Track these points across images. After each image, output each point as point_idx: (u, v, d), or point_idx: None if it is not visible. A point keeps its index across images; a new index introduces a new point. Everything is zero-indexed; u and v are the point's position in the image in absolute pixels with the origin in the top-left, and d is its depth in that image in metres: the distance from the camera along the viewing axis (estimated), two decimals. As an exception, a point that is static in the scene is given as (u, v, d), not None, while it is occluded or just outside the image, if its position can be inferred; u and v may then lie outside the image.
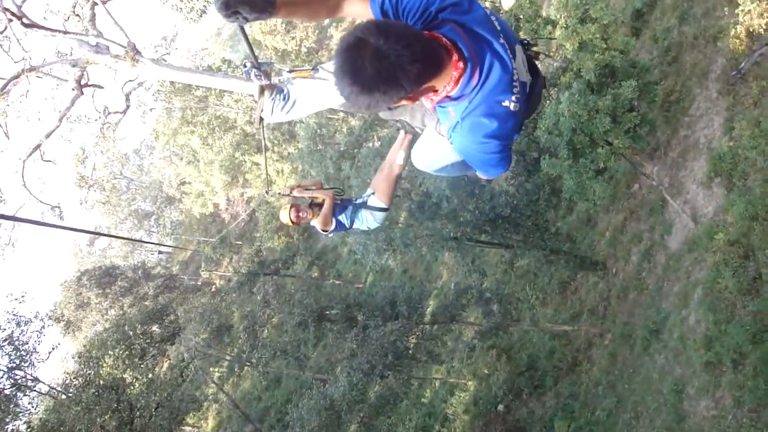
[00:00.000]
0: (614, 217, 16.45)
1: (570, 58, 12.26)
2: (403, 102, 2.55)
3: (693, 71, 15.02)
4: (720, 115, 13.88)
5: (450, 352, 18.78)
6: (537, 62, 3.06)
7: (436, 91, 2.56)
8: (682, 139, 14.80)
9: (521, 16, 13.94)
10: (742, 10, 12.18)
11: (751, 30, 12.70)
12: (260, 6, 2.50)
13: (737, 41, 13.20)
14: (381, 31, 2.30)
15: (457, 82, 2.52)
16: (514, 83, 2.61)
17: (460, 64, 2.48)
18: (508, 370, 17.35)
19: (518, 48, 2.76)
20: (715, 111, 14.07)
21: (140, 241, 51.41)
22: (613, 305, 15.73)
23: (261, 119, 4.16)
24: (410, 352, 15.88)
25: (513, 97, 2.60)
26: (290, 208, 6.16)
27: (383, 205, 5.84)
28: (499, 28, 2.64)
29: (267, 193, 6.20)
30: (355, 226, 6.21)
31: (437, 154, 3.52)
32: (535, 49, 3.07)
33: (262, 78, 3.78)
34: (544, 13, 14.35)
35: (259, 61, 3.72)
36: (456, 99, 2.62)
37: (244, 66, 3.75)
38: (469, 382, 18.66)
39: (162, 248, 48.87)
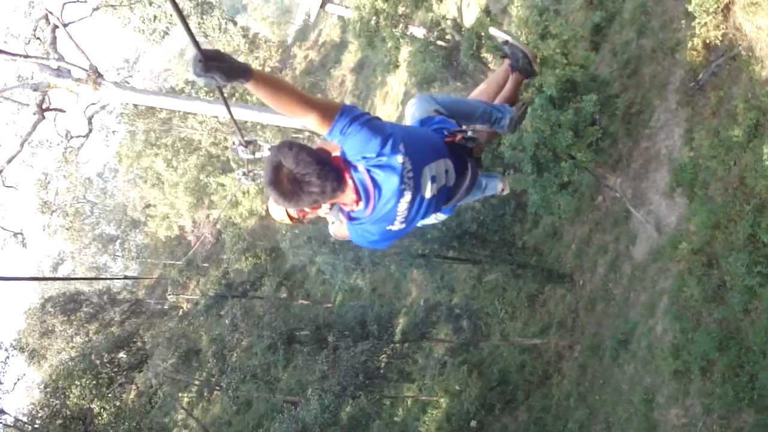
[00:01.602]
0: (579, 229, 16.58)
1: (531, 73, 12.34)
2: (322, 206, 3.43)
3: (652, 83, 15.24)
4: (680, 126, 14.07)
5: (421, 369, 18.72)
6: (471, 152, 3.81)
7: (346, 203, 3.27)
8: (643, 150, 14.98)
9: (482, 34, 14.07)
10: (699, 23, 12.39)
11: (707, 42, 12.92)
12: (235, 74, 2.69)
13: (695, 53, 13.41)
14: (296, 159, 2.88)
15: (350, 210, 3.30)
16: (402, 213, 3.34)
17: (356, 202, 3.21)
18: (479, 386, 17.33)
19: (437, 163, 3.46)
20: (675, 122, 14.27)
21: (113, 278, 50.66)
22: (581, 317, 15.82)
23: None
24: (381, 371, 15.81)
25: (397, 222, 3.36)
26: None
27: None
28: (411, 167, 3.23)
29: (245, 175, 5.22)
30: None
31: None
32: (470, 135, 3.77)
33: (248, 153, 4.24)
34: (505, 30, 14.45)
35: (245, 139, 4.23)
36: (354, 218, 3.35)
37: (233, 144, 4.19)
38: (441, 399, 18.61)
39: (128, 273, 48.30)
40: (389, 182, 3.18)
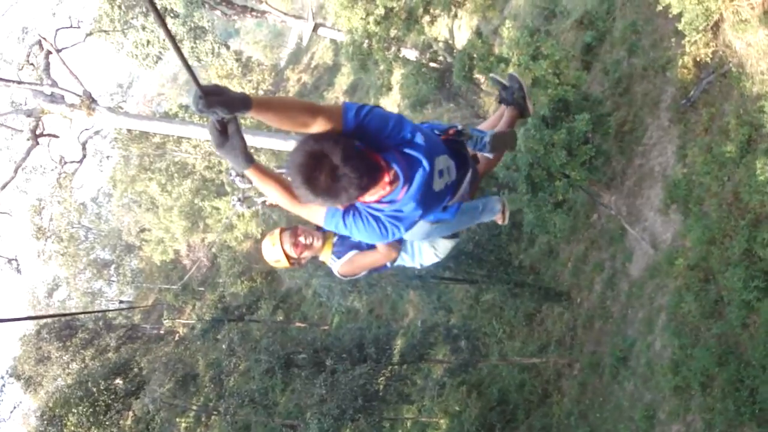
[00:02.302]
0: (575, 247, 16.61)
1: (524, 94, 12.42)
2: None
3: (644, 101, 15.34)
4: (673, 143, 14.17)
5: (420, 390, 18.64)
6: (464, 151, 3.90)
7: (373, 195, 3.13)
8: (637, 168, 15.06)
9: (474, 55, 14.17)
10: (689, 41, 12.50)
11: (698, 59, 13.04)
12: (236, 106, 2.67)
13: (685, 71, 13.53)
14: (343, 154, 2.78)
15: (381, 198, 3.14)
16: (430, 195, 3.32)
17: (388, 187, 3.09)
18: (479, 406, 17.27)
19: (443, 158, 3.44)
20: (668, 139, 14.37)
21: (112, 309, 50.38)
22: (579, 335, 15.81)
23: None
24: (380, 393, 15.73)
25: (421, 212, 3.27)
26: (282, 233, 4.30)
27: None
28: (429, 148, 3.24)
29: (240, 201, 5.11)
30: (399, 261, 4.64)
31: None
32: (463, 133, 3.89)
33: (245, 182, 4.30)
34: (496, 51, 14.58)
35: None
36: (374, 208, 3.20)
37: (230, 174, 4.34)
38: (441, 420, 18.53)
39: (123, 298, 48.06)
40: (418, 162, 3.17)
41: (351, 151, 2.83)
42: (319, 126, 3.01)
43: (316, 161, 2.76)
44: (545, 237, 16.43)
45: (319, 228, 4.38)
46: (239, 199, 4.70)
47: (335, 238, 4.39)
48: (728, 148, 11.88)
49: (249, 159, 2.89)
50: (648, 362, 13.01)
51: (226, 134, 2.78)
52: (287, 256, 4.31)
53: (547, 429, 15.53)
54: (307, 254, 4.38)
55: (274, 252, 4.31)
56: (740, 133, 11.64)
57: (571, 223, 15.34)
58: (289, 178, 2.86)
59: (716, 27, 12.36)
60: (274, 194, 3.10)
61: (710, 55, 12.71)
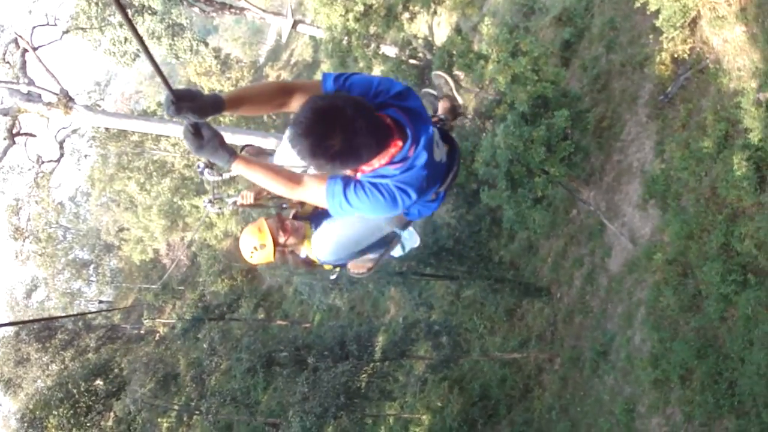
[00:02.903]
0: (555, 243, 16.70)
1: (503, 91, 12.49)
2: (346, 171, 2.91)
3: (622, 97, 15.45)
4: (651, 139, 14.28)
5: (402, 387, 18.67)
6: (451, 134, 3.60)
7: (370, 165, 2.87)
8: (615, 163, 15.17)
9: (454, 52, 14.18)
10: (666, 38, 12.60)
11: (675, 56, 13.16)
12: (208, 111, 2.67)
13: (663, 67, 13.65)
14: (358, 107, 2.55)
15: (391, 158, 2.85)
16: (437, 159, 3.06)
17: (399, 143, 2.82)
18: (461, 402, 17.32)
19: (434, 130, 3.13)
20: (646, 135, 14.48)
21: (92, 312, 50.00)
22: (560, 330, 15.90)
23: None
24: (362, 390, 15.73)
25: (427, 173, 2.95)
26: (267, 219, 4.18)
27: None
28: (425, 112, 3.02)
29: (211, 203, 4.43)
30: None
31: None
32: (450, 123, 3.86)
33: (214, 174, 3.79)
34: (476, 48, 14.62)
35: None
36: (380, 174, 2.90)
37: (198, 167, 3.72)
38: (423, 416, 18.55)
39: (103, 298, 47.73)
40: (420, 117, 2.95)
41: (364, 107, 2.60)
42: (298, 101, 2.92)
43: (327, 120, 2.50)
44: (525, 233, 16.50)
45: (295, 217, 4.37)
46: (210, 201, 4.44)
47: (313, 229, 4.25)
48: (705, 143, 12.00)
49: (231, 152, 2.80)
50: (628, 356, 13.11)
51: (201, 136, 2.71)
52: (275, 242, 4.13)
53: (529, 423, 15.61)
54: (293, 240, 4.21)
55: (260, 237, 4.09)
56: (717, 128, 11.75)
57: (550, 219, 15.43)
58: (291, 145, 2.57)
59: (693, 24, 12.48)
60: (265, 181, 2.94)
61: (687, 52, 12.83)
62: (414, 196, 2.94)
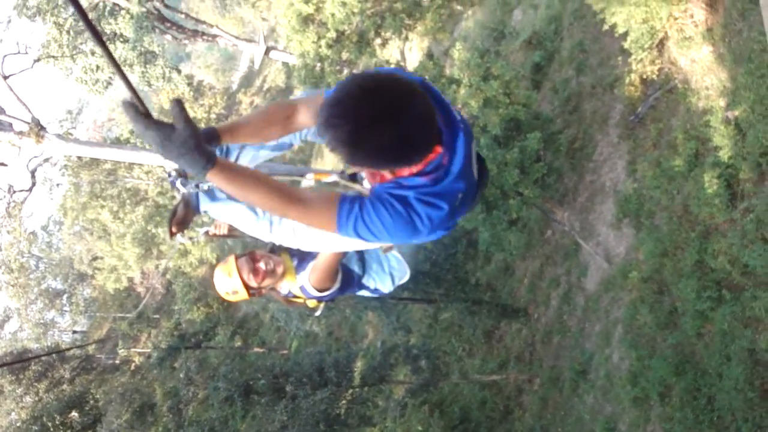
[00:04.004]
0: (531, 263, 16.78)
1: (476, 114, 12.59)
2: (384, 172, 2.40)
3: (593, 118, 15.64)
4: (622, 159, 14.45)
5: (382, 412, 18.54)
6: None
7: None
8: (588, 184, 15.31)
9: (426, 77, 14.28)
10: (635, 59, 12.79)
11: (644, 77, 13.34)
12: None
13: (632, 88, 13.84)
14: (415, 91, 2.10)
15: (425, 164, 2.34)
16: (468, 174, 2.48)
17: (439, 148, 2.29)
18: (442, 425, 17.23)
19: (473, 143, 2.61)
20: (618, 155, 14.65)
21: (66, 349, 49.35)
22: (538, 350, 15.93)
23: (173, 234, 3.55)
24: (342, 417, 15.61)
25: (464, 187, 2.43)
26: (237, 260, 3.77)
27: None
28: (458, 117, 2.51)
29: (171, 237, 3.55)
30: (368, 282, 3.94)
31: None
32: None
33: (189, 185, 3.16)
34: (447, 73, 14.74)
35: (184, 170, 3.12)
36: (406, 184, 2.37)
37: (169, 175, 3.15)
38: (404, 441, 18.46)
39: (77, 328, 47.11)
40: (455, 122, 2.44)
41: (421, 93, 2.11)
42: (304, 115, 2.61)
43: (379, 101, 2.01)
44: (501, 254, 16.55)
45: (272, 251, 3.87)
46: (176, 177, 3.54)
47: (294, 262, 3.82)
48: (676, 162, 12.15)
49: (208, 157, 2.13)
50: (607, 374, 13.16)
51: (169, 126, 2.05)
52: (246, 287, 3.70)
53: (510, 445, 15.59)
54: (268, 282, 3.76)
55: (231, 283, 3.70)
56: (687, 147, 11.91)
57: (525, 240, 15.53)
58: (320, 131, 2.07)
59: (661, 45, 12.68)
60: (255, 196, 2.30)
61: (656, 72, 13.02)
62: (445, 209, 2.37)
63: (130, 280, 42.73)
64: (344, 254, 3.61)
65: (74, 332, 49.52)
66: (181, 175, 3.10)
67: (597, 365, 13.58)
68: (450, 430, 17.15)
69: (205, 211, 3.32)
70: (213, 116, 35.55)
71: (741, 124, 10.67)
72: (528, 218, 16.06)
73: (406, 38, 18.73)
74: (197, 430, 18.22)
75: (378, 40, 17.40)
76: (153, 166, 29.08)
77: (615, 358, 13.13)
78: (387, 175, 2.39)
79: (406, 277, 4.04)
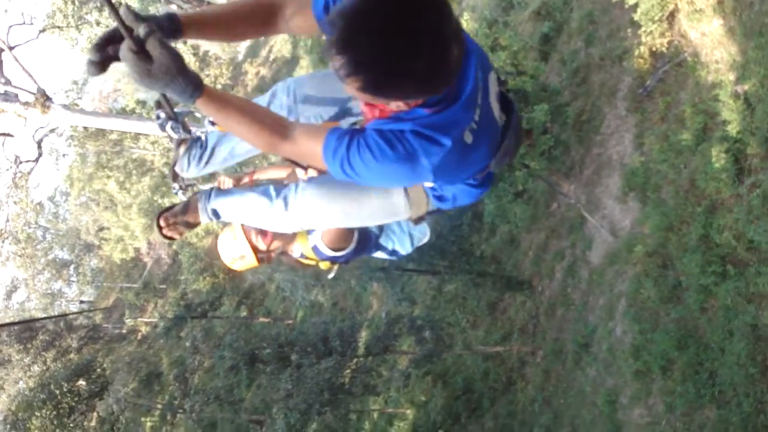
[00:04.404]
0: (536, 236, 16.76)
1: (483, 85, 12.49)
2: (392, 104, 2.04)
3: (601, 91, 15.53)
4: (630, 132, 14.37)
5: (386, 382, 18.67)
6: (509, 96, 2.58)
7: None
8: (595, 157, 15.24)
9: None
10: (645, 31, 12.68)
11: (654, 49, 13.24)
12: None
13: (641, 60, 13.73)
14: (451, 18, 1.73)
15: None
16: (476, 111, 2.14)
17: None
18: (445, 396, 17.38)
19: (492, 76, 2.34)
20: (625, 128, 14.57)
21: (73, 313, 49.68)
22: (542, 322, 15.97)
23: (175, 175, 3.32)
24: (346, 386, 15.74)
25: (467, 130, 2.12)
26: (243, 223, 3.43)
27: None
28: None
29: (182, 189, 3.31)
30: (386, 242, 3.65)
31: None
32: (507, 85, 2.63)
33: (180, 130, 2.91)
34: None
35: (174, 110, 2.87)
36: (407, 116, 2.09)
37: (158, 117, 2.86)
38: (408, 411, 18.61)
39: (84, 299, 47.44)
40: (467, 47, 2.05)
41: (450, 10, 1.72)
42: (294, 14, 2.20)
43: (419, 15, 1.63)
44: (506, 227, 16.57)
45: None
46: (181, 188, 3.19)
47: None
48: (684, 136, 12.09)
49: (195, 82, 1.95)
50: (609, 348, 13.21)
51: (149, 57, 1.85)
52: (254, 250, 3.47)
53: (513, 416, 15.69)
54: (277, 243, 3.55)
55: (237, 247, 3.46)
56: (696, 121, 11.85)
57: (531, 212, 15.52)
58: (337, 49, 1.74)
59: (671, 17, 12.56)
60: (240, 127, 2.11)
61: (666, 45, 12.92)
62: (447, 145, 2.05)
63: (137, 250, 42.94)
64: None
65: (81, 302, 49.89)
66: (171, 117, 2.82)
67: (600, 338, 13.62)
68: (453, 401, 17.29)
69: (214, 212, 3.05)
70: (219, 86, 35.44)
71: (750, 99, 10.59)
72: (534, 190, 16.02)
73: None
74: (203, 398, 18.41)
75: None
76: (159, 137, 29.06)
77: (618, 332, 13.17)
78: (393, 107, 2.06)
79: (426, 239, 3.82)
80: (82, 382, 25.00)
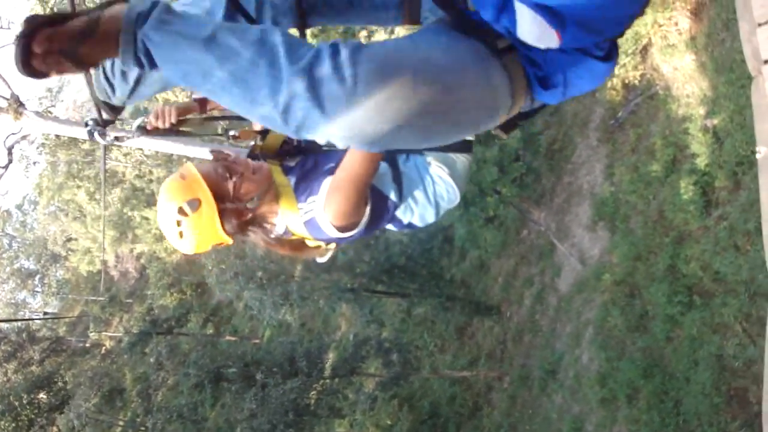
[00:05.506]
0: (506, 262, 16.82)
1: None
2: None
3: (574, 121, 15.69)
4: (601, 162, 14.52)
5: (352, 404, 18.53)
6: None
7: None
8: (566, 185, 15.37)
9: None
10: (618, 64, 12.84)
11: (626, 82, 13.41)
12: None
13: (614, 92, 13.90)
14: None
15: None
16: None
17: None
18: (411, 419, 17.28)
19: None
20: (596, 158, 14.72)
21: (37, 318, 48.90)
22: (509, 348, 15.99)
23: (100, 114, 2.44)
24: (312, 408, 15.60)
25: None
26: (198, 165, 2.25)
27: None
28: None
29: (100, 128, 2.55)
30: (404, 214, 2.50)
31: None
32: None
33: (109, 137, 2.62)
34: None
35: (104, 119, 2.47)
36: None
37: (86, 125, 2.48)
38: (373, 434, 18.48)
39: (48, 310, 46.69)
40: None
41: None
42: None
43: None
44: (476, 251, 16.60)
45: (253, 156, 2.36)
46: (97, 124, 2.11)
47: (291, 180, 2.30)
48: (654, 167, 12.23)
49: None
50: (576, 375, 13.24)
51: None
52: (216, 195, 2.14)
53: (478, 442, 15.65)
54: (250, 188, 2.21)
55: (187, 189, 2.14)
56: (665, 153, 11.99)
57: (501, 238, 15.58)
58: None
59: (645, 51, 12.74)
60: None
61: (638, 78, 13.09)
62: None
63: (104, 262, 42.42)
64: (378, 166, 2.09)
65: (45, 313, 49.09)
66: (99, 123, 2.40)
67: (566, 365, 13.66)
68: (419, 425, 17.20)
69: (145, 48, 1.59)
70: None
71: (719, 133, 10.75)
72: (505, 217, 16.09)
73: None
74: (166, 416, 18.13)
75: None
76: (131, 149, 28.80)
77: (584, 359, 13.22)
78: None
79: (457, 201, 2.71)
80: (42, 395, 24.53)
